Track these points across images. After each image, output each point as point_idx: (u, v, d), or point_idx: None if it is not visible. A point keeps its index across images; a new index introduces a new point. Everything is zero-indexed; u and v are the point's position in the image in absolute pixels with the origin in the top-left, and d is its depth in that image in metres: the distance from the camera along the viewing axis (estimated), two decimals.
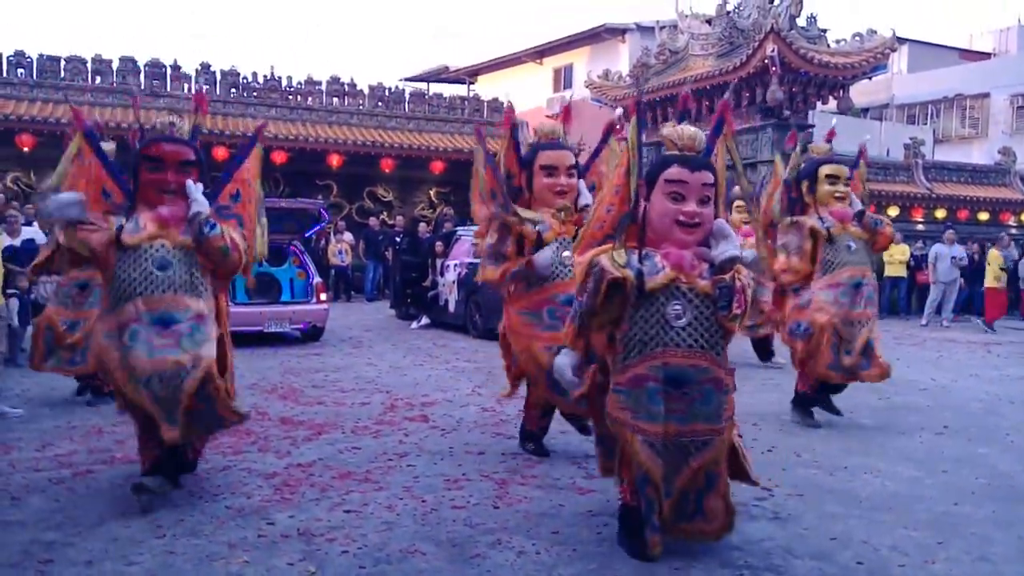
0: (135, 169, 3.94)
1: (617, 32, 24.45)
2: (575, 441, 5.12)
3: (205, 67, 17.98)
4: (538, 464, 4.74)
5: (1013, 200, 18.04)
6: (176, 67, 17.70)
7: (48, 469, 4.52)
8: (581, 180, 4.87)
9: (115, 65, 17.21)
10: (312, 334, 10.41)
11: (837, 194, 5.78)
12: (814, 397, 5.98)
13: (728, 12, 16.69)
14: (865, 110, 24.94)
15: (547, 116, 20.00)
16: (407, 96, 19.86)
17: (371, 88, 19.28)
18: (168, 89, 17.33)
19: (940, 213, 17.10)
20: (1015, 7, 51.71)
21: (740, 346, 8.51)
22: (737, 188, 9.00)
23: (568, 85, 25.84)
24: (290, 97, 18.57)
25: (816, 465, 4.86)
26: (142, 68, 17.40)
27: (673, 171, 3.23)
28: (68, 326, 5.89)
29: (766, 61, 14.88)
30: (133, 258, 3.76)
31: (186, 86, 17.40)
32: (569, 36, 25.40)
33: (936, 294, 14.36)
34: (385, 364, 8.64)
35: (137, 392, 3.73)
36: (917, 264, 15.14)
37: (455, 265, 11.51)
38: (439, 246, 12.23)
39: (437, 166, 18.72)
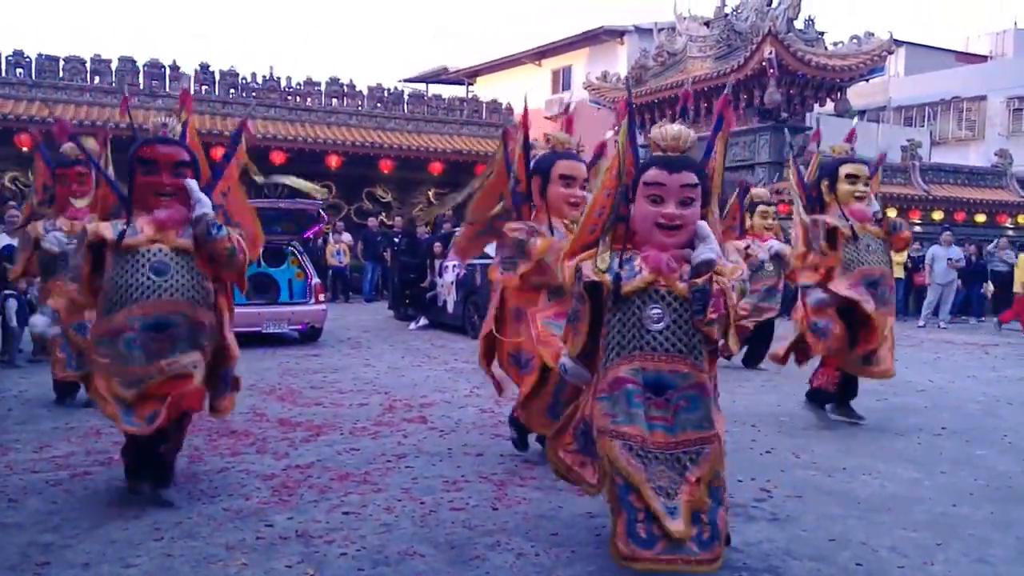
0: (130, 172, 3.88)
1: (615, 34, 24.50)
2: None
3: (204, 67, 17.99)
4: (537, 465, 4.73)
5: (1010, 202, 18.08)
6: (175, 67, 17.71)
7: (46, 471, 4.50)
8: (588, 194, 4.83)
9: (114, 65, 17.22)
10: (310, 335, 10.40)
11: (857, 193, 5.81)
12: (829, 393, 6.03)
13: (726, 14, 16.72)
14: (862, 112, 24.95)
15: (546, 117, 20.14)
16: (406, 97, 19.88)
17: (370, 89, 19.29)
18: (167, 89, 17.32)
19: (937, 215, 17.12)
20: (1012, 10, 51.87)
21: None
22: (756, 190, 8.96)
23: (567, 87, 25.88)
24: (289, 98, 18.57)
25: (815, 466, 4.86)
26: (141, 68, 17.42)
27: (651, 173, 3.15)
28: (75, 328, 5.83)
29: (764, 63, 14.93)
30: (130, 262, 3.72)
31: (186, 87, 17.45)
32: (568, 38, 25.44)
33: (933, 296, 14.37)
34: (383, 365, 8.63)
35: (117, 392, 3.70)
36: (914, 266, 15.12)
37: (453, 266, 11.47)
38: (437, 247, 12.21)
39: (436, 167, 18.74)
